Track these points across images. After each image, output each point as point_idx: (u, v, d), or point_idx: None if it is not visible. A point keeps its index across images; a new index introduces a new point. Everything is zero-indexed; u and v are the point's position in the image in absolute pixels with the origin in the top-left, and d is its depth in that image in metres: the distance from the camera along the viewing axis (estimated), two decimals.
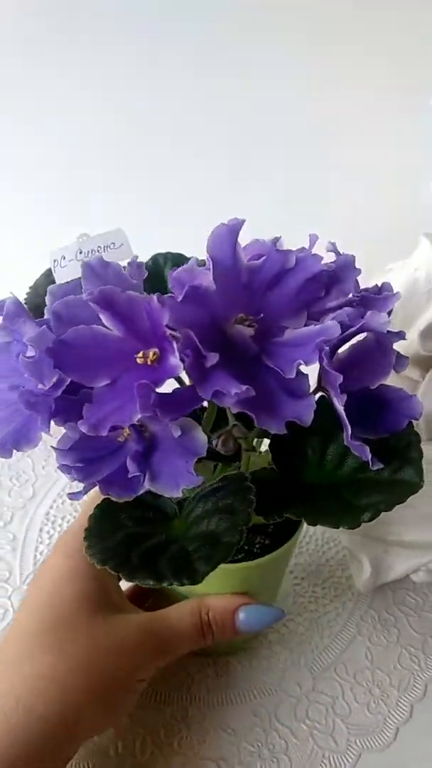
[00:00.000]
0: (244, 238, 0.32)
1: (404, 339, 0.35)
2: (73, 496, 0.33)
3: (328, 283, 0.33)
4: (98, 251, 0.39)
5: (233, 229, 0.31)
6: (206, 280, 0.30)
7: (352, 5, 0.76)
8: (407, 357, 0.36)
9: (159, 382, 0.29)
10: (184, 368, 0.29)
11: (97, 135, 0.84)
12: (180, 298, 0.29)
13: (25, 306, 0.33)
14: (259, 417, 0.30)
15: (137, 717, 0.45)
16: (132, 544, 0.33)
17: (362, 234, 0.83)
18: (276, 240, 0.32)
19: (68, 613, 0.37)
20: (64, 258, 0.39)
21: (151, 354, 0.30)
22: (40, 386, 0.30)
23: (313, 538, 0.59)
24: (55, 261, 0.39)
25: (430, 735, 0.45)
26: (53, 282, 0.39)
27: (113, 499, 0.32)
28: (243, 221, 0.31)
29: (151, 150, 0.84)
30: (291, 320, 0.33)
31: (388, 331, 0.34)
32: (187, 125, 0.84)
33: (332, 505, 0.33)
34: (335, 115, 0.81)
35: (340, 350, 0.35)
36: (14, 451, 0.32)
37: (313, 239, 0.34)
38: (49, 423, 0.31)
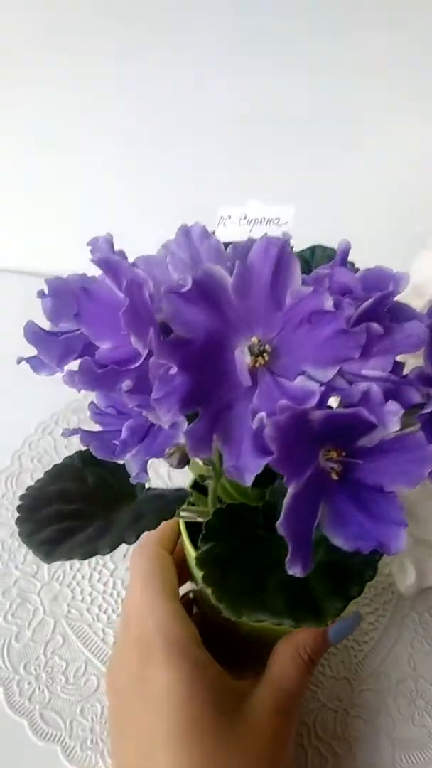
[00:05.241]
0: None
1: None
2: None
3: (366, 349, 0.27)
4: (261, 222, 0.38)
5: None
6: None
7: None
8: None
9: None
10: None
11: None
12: None
13: None
14: None
15: None
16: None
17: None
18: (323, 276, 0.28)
19: (208, 727, 0.35)
20: (230, 218, 0.38)
21: None
22: None
23: None
24: (221, 218, 0.38)
25: None
26: None
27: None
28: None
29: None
30: (312, 367, 0.27)
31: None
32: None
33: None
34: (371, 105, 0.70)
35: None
36: None
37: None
38: None
